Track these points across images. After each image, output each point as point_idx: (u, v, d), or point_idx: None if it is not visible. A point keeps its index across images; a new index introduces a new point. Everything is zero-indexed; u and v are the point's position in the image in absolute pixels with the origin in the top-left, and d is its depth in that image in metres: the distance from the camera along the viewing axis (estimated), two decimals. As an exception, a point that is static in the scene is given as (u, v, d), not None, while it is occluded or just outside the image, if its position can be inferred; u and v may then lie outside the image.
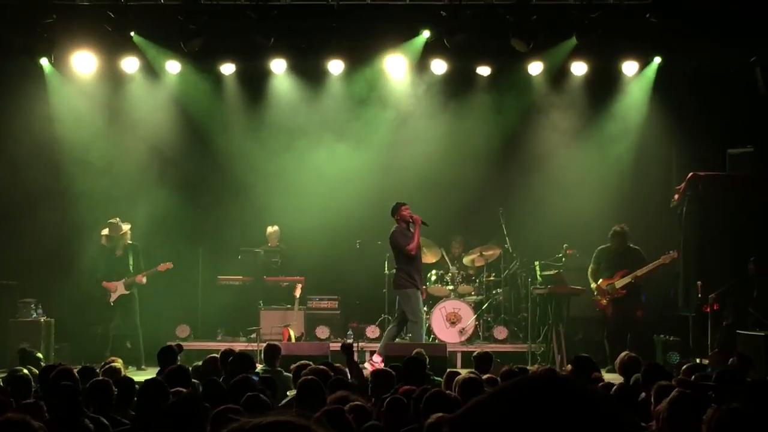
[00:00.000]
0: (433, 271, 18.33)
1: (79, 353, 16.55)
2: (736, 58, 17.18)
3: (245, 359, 10.73)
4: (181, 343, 13.23)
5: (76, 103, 18.14)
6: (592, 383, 8.83)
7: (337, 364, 11.17)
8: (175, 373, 9.48)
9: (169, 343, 12.79)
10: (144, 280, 17.10)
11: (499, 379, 9.76)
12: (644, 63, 17.94)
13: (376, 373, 10.08)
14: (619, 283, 16.58)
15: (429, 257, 18.14)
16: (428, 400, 7.35)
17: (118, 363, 10.91)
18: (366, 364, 12.67)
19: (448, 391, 8.31)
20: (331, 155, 18.62)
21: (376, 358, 15.29)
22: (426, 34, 17.28)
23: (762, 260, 16.29)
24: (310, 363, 10.59)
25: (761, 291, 16.01)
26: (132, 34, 17.02)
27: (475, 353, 12.11)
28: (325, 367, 10.03)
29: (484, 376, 9.79)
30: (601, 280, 16.70)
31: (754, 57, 17.15)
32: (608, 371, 14.05)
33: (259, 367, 11.85)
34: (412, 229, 15.78)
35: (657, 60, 17.81)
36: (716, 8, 16.03)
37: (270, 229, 18.72)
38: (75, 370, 9.54)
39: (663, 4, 16.03)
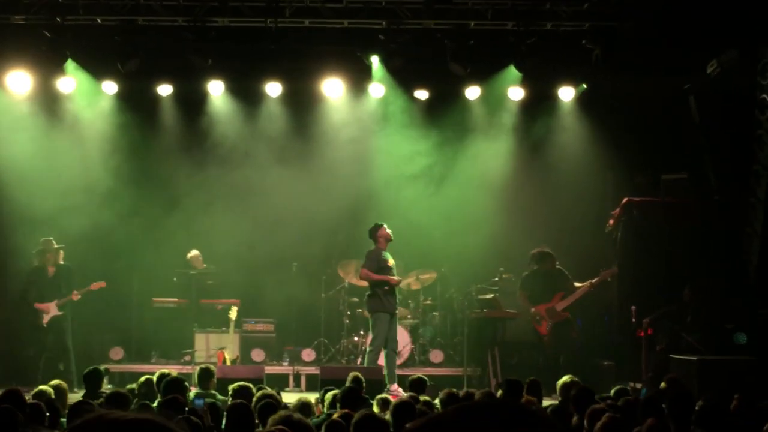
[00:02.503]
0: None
1: (10, 376, 16.30)
2: (671, 85, 17.38)
3: (177, 382, 10.64)
4: (114, 366, 13.10)
5: (8, 124, 17.90)
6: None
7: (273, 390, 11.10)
8: (115, 397, 9.39)
9: (95, 366, 12.60)
10: (78, 296, 16.84)
11: (438, 402, 9.76)
12: (580, 89, 18.08)
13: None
14: (560, 305, 16.64)
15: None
16: (357, 423, 7.35)
17: (57, 388, 10.79)
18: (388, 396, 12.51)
19: (380, 414, 8.30)
20: (269, 177, 18.55)
21: (394, 388, 15.20)
22: (375, 61, 17.22)
23: (696, 286, 16.48)
24: (249, 386, 10.53)
25: (695, 317, 16.18)
26: (68, 53, 16.83)
27: (410, 378, 12.09)
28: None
29: (422, 398, 9.78)
30: (537, 305, 16.72)
31: (687, 85, 17.36)
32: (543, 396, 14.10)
33: (194, 390, 11.75)
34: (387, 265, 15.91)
35: (590, 86, 17.94)
36: (652, 36, 16.22)
37: (190, 254, 18.57)
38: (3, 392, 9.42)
39: (599, 31, 16.18)
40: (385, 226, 16.05)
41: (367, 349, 15.90)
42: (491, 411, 2.18)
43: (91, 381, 11.34)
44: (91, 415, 2.23)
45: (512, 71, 17.18)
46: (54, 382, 11.32)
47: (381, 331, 15.70)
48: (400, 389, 14.32)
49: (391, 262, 16.10)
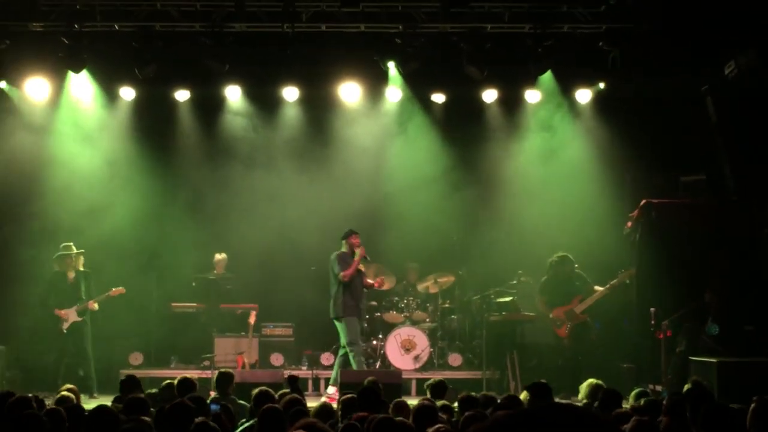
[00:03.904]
0: (388, 298, 18.35)
1: (31, 382, 16.37)
2: (688, 87, 17.34)
3: (189, 386, 10.69)
4: (133, 371, 13.10)
5: (28, 131, 17.98)
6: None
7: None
8: (134, 402, 9.40)
9: (129, 373, 12.61)
10: (96, 306, 16.92)
11: (456, 404, 9.75)
12: (597, 90, 18.05)
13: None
14: (579, 308, 16.63)
15: (384, 284, 18.19)
16: (376, 426, 7.37)
17: (70, 392, 10.80)
18: (323, 398, 12.61)
19: (398, 418, 8.28)
20: (286, 181, 18.61)
21: (331, 390, 15.27)
22: (391, 66, 17.28)
23: (717, 288, 16.44)
24: (270, 390, 10.52)
25: (716, 319, 16.13)
26: (86, 59, 16.86)
27: (429, 382, 12.07)
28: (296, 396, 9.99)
29: (439, 403, 9.78)
30: (555, 308, 16.70)
31: (705, 86, 17.33)
32: (561, 398, 14.08)
33: (212, 394, 11.77)
34: (354, 258, 15.91)
35: (609, 86, 17.90)
36: (669, 37, 16.19)
37: (218, 257, 18.61)
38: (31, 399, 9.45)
39: (615, 32, 16.16)
40: (358, 235, 16.10)
41: (351, 355, 15.86)
42: (559, 416, 2.21)
43: (128, 387, 11.35)
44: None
45: (528, 74, 17.16)
46: (65, 387, 11.30)
47: (353, 333, 15.83)
48: (337, 394, 14.16)
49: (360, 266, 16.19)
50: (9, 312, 17.44)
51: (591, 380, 11.26)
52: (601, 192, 18.29)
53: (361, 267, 16.24)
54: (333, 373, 15.94)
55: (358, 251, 15.99)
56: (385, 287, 18.13)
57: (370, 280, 16.55)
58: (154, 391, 11.44)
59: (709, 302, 16.37)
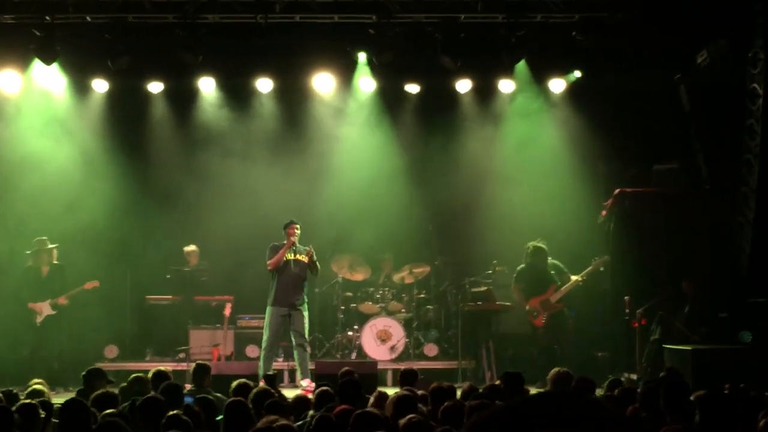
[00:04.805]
0: (363, 289, 18.36)
1: (5, 376, 16.28)
2: (661, 75, 17.39)
3: (163, 379, 10.68)
4: (108, 364, 13.04)
5: None
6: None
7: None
8: (102, 396, 9.38)
9: (96, 365, 12.58)
10: (66, 302, 16.81)
11: (429, 395, 9.75)
12: (571, 80, 18.10)
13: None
14: (554, 297, 16.67)
15: (359, 275, 18.22)
16: (356, 419, 7.37)
17: (42, 385, 10.75)
18: (299, 391, 12.60)
19: (375, 410, 8.28)
20: (261, 173, 18.56)
21: (305, 382, 15.24)
22: (362, 56, 17.28)
23: (693, 277, 16.53)
24: (250, 383, 10.52)
25: (693, 308, 16.21)
26: (58, 51, 16.75)
27: (401, 370, 12.10)
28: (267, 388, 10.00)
29: (419, 392, 9.78)
30: (531, 298, 16.75)
31: (678, 75, 17.40)
32: (537, 387, 14.12)
33: (188, 387, 11.74)
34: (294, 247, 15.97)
35: (582, 75, 17.93)
36: (642, 27, 16.24)
37: (188, 249, 18.55)
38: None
39: (588, 22, 16.20)
40: (295, 226, 16.06)
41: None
42: (557, 402, 2.22)
43: (90, 380, 11.30)
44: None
45: (502, 63, 17.18)
46: (33, 381, 11.22)
47: (267, 326, 15.86)
48: (313, 384, 14.18)
49: (295, 256, 16.07)
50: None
51: (557, 369, 11.25)
52: (575, 181, 18.32)
53: (301, 257, 16.05)
54: (297, 366, 15.78)
55: (287, 242, 15.94)
56: (360, 278, 18.16)
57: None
58: (124, 385, 11.39)
59: (685, 291, 16.45)
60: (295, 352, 15.84)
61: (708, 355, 14.09)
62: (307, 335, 15.95)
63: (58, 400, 9.98)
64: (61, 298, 16.76)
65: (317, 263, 15.99)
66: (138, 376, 11.26)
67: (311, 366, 15.55)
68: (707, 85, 16.93)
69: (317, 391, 10.07)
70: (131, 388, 10.89)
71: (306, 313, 15.96)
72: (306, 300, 16.10)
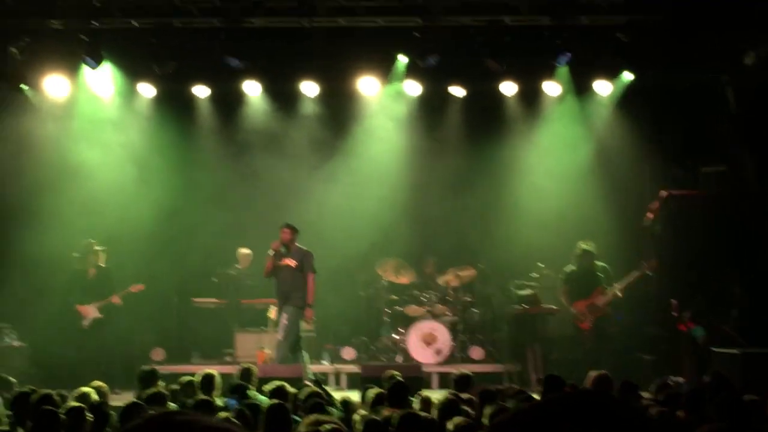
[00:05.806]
0: (408, 292, 18.34)
1: (53, 378, 16.39)
2: (708, 77, 17.27)
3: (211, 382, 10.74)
4: (155, 366, 13.10)
5: (48, 127, 18.01)
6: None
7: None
8: (153, 396, 9.44)
9: (150, 366, 12.67)
10: (119, 300, 16.95)
11: (476, 398, 9.75)
12: (616, 82, 17.99)
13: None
14: (601, 301, 16.59)
15: (404, 278, 18.20)
16: (402, 421, 7.39)
17: (98, 389, 10.83)
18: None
19: (423, 413, 8.29)
20: (305, 177, 18.61)
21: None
22: (403, 59, 17.26)
23: (739, 280, 16.41)
24: (286, 385, 10.55)
25: (742, 311, 16.08)
26: (104, 56, 16.86)
27: (454, 374, 12.07)
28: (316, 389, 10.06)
29: (464, 396, 9.78)
30: (576, 301, 16.66)
31: (725, 76, 17.26)
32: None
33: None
34: (283, 251, 16.02)
35: (628, 77, 17.80)
36: (689, 28, 16.13)
37: (242, 251, 18.63)
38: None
39: (634, 23, 16.12)
40: (283, 230, 16.11)
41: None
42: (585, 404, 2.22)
43: (146, 382, 11.39)
44: (156, 415, 2.23)
45: (548, 66, 17.13)
46: (95, 383, 11.33)
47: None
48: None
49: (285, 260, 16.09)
50: (30, 309, 17.44)
51: (592, 372, 11.18)
52: (621, 183, 18.24)
53: (290, 262, 16.05)
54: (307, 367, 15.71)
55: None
56: (405, 281, 18.15)
57: None
58: (175, 387, 11.46)
59: (735, 294, 16.33)
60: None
61: (759, 359, 13.97)
62: (283, 337, 15.82)
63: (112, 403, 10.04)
64: (115, 297, 16.87)
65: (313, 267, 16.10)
66: (190, 380, 11.36)
67: (357, 369, 15.56)
68: (754, 86, 16.78)
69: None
70: (184, 391, 10.99)
71: (288, 315, 15.87)
72: (292, 305, 16.00)
